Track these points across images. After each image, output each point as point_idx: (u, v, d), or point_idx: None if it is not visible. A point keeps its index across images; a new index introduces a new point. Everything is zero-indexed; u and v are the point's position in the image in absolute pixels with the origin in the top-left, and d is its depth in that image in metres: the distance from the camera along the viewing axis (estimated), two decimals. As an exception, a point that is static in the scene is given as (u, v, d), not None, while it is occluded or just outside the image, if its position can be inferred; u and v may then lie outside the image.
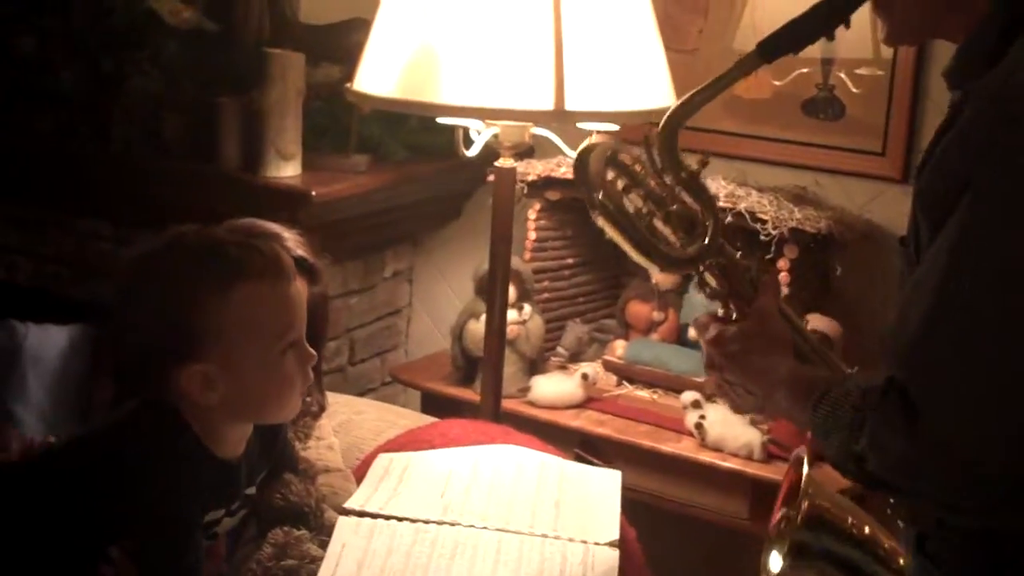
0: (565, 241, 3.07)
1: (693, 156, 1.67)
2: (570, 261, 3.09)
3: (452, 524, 1.93)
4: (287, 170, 2.81)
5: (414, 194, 3.12)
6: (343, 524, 1.92)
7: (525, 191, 2.91)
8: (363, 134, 2.97)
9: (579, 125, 2.36)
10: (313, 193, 2.73)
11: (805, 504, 1.64)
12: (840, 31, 1.53)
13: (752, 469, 2.64)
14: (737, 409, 1.73)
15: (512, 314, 2.77)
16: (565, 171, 2.88)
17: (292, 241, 2.09)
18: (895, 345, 1.36)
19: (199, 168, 2.88)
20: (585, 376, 2.86)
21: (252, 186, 2.80)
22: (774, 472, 2.63)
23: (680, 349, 2.95)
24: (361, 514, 1.94)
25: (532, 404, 2.84)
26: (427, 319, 3.50)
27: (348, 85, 2.41)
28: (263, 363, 1.71)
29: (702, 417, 2.71)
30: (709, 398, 2.81)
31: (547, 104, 2.19)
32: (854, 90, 2.94)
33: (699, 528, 2.81)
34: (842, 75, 2.96)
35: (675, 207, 1.64)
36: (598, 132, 1.77)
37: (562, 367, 3.00)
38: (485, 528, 1.93)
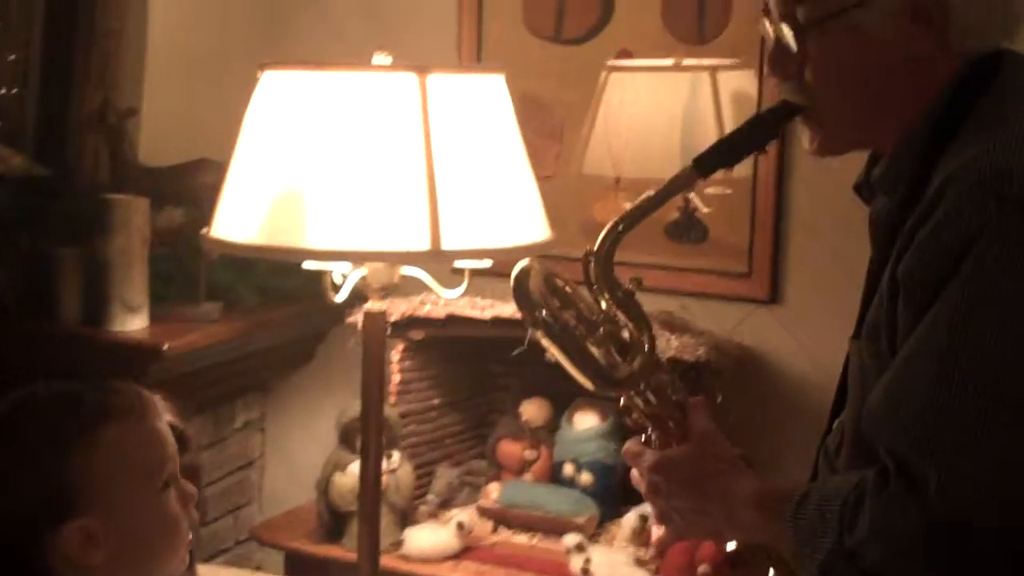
0: (430, 381, 2.94)
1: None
2: (435, 402, 2.97)
3: None
4: (134, 323, 2.63)
5: (267, 340, 2.96)
6: None
7: (388, 331, 2.78)
8: (212, 280, 2.80)
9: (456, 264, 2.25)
10: (165, 347, 2.55)
11: None
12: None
13: (645, 611, 2.53)
14: (681, 537, 1.68)
15: (380, 463, 2.62)
16: (429, 309, 2.76)
17: (160, 406, 1.93)
18: (886, 427, 1.35)
19: (35, 325, 2.67)
20: (461, 525, 2.71)
21: (96, 342, 2.61)
22: (667, 612, 2.52)
23: (556, 488, 2.84)
24: None
25: (406, 559, 2.69)
26: (282, 471, 3.32)
27: (204, 232, 2.25)
28: (144, 505, 1.59)
29: (587, 561, 2.59)
30: (591, 539, 2.70)
31: (423, 244, 2.07)
32: (704, 209, 2.92)
33: None
34: (691, 195, 2.93)
35: (605, 329, 1.60)
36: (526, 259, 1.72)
37: (433, 515, 2.85)
38: None
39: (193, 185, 2.77)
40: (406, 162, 2.09)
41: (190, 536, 1.65)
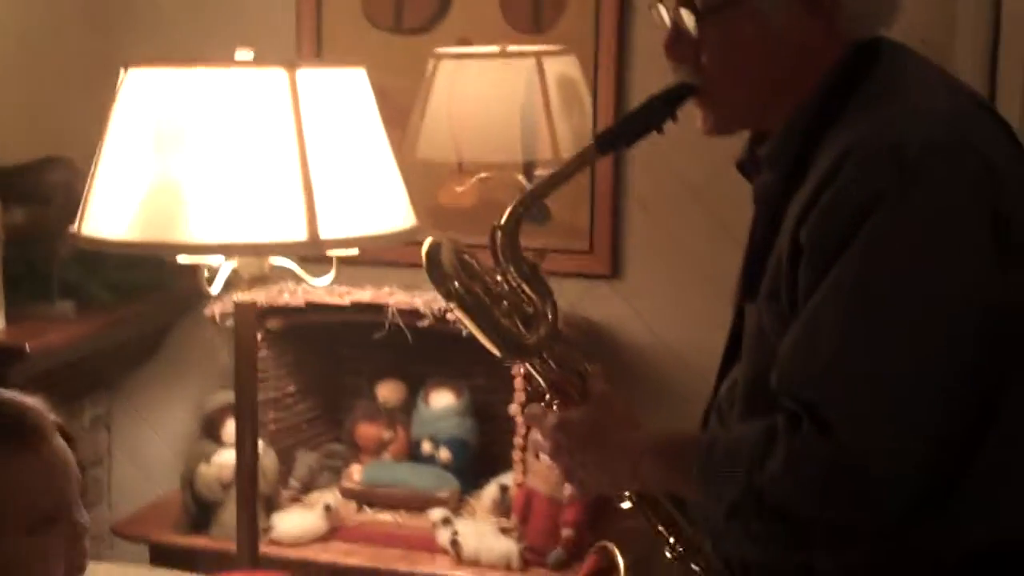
0: (286, 369, 2.99)
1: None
2: (292, 389, 3.02)
3: None
4: (-10, 325, 2.61)
5: (120, 336, 2.96)
6: None
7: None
8: (62, 278, 2.80)
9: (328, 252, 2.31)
10: (27, 348, 2.54)
11: None
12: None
13: (512, 579, 2.64)
14: (587, 492, 1.78)
15: (241, 451, 2.66)
16: (288, 299, 2.81)
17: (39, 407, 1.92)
18: (796, 378, 1.46)
19: None
20: (328, 507, 2.78)
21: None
22: (534, 580, 2.65)
23: (416, 466, 2.93)
24: None
25: (276, 543, 2.74)
26: (130, 467, 3.31)
27: (72, 230, 2.26)
28: (13, 553, 1.45)
29: (455, 533, 2.69)
30: (454, 513, 2.80)
31: (301, 235, 2.13)
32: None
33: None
34: (520, 177, 3.06)
35: (509, 302, 1.68)
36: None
37: (297, 500, 2.90)
38: None
39: (41, 183, 2.75)
40: (280, 155, 2.15)
41: (81, 565, 1.51)
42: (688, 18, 1.58)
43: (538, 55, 3.02)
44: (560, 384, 1.71)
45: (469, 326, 1.69)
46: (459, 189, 3.12)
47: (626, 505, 1.76)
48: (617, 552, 1.84)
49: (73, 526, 1.50)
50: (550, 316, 1.69)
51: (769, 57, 1.57)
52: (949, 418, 1.43)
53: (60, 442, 1.53)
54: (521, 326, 1.70)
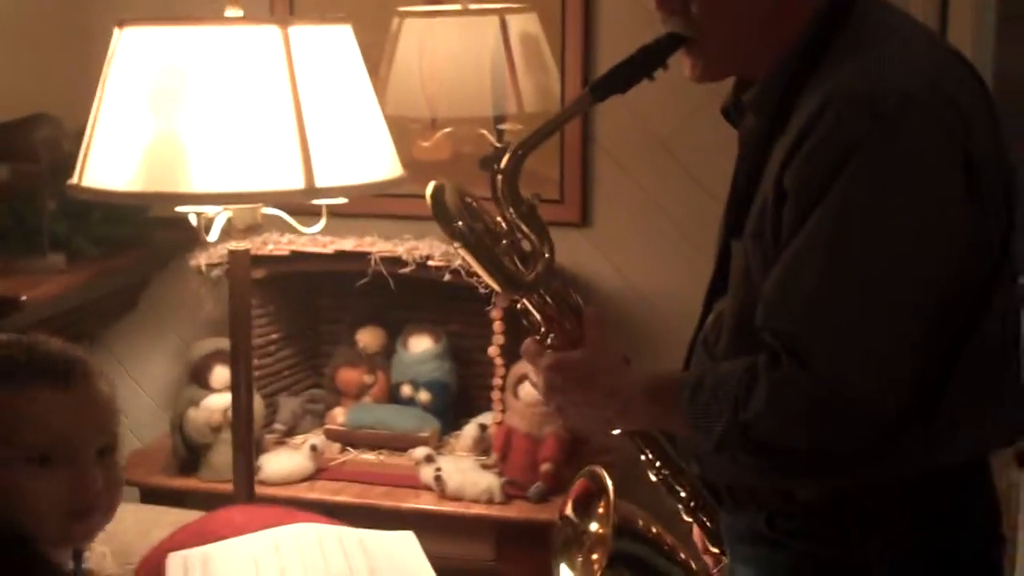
0: (269, 317, 3.09)
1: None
2: (274, 337, 3.12)
3: (283, 608, 1.94)
4: (-16, 277, 2.69)
5: (105, 287, 3.04)
6: (177, 627, 1.88)
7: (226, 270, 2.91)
8: (52, 232, 2.87)
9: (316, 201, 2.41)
10: (23, 297, 2.62)
11: (615, 515, 1.82)
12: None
13: (495, 512, 2.77)
14: (579, 430, 1.85)
15: (228, 397, 2.76)
16: (273, 248, 2.91)
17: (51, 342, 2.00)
18: (779, 314, 1.55)
19: None
20: (314, 448, 2.89)
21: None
22: (516, 511, 2.78)
23: (397, 408, 3.05)
24: (190, 612, 1.91)
25: (264, 483, 2.84)
26: (113, 416, 3.40)
27: (73, 182, 2.35)
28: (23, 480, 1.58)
29: (438, 470, 2.81)
30: (439, 450, 2.93)
31: (298, 183, 2.23)
32: (497, 145, 3.13)
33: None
34: (485, 131, 3.16)
35: (509, 240, 1.76)
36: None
37: (281, 443, 3.01)
38: (319, 604, 1.94)
39: (27, 140, 2.82)
40: (276, 108, 2.24)
41: (84, 513, 1.64)
42: None
43: (501, 12, 3.11)
44: (556, 320, 1.78)
45: (472, 263, 1.76)
46: (424, 144, 3.21)
47: (615, 431, 1.87)
48: (605, 474, 1.95)
49: (79, 474, 1.63)
50: (547, 254, 1.77)
51: (751, 10, 1.66)
52: (925, 348, 1.52)
53: (105, 386, 1.70)
54: (520, 264, 1.77)
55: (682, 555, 1.96)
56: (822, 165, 1.53)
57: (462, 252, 1.76)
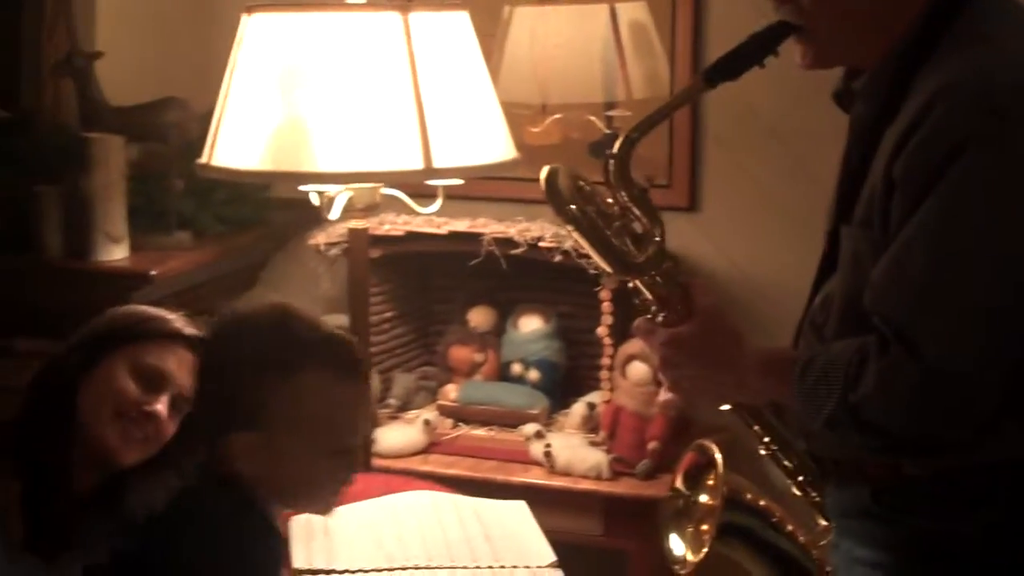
0: (384, 296, 3.18)
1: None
2: (389, 315, 3.21)
3: (403, 569, 2.03)
4: (116, 253, 2.81)
5: (228, 265, 3.16)
6: (302, 584, 1.98)
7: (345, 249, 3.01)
8: (179, 211, 2.99)
9: (429, 182, 2.49)
10: (153, 272, 2.74)
11: (725, 487, 1.90)
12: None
13: (603, 487, 2.84)
14: (695, 403, 1.90)
15: (345, 372, 2.86)
16: (389, 228, 3.00)
17: (179, 322, 2.12)
18: (888, 300, 1.58)
19: (19, 260, 2.83)
20: (427, 422, 2.98)
21: (81, 272, 2.78)
22: (623, 487, 2.84)
23: (507, 385, 3.12)
24: (314, 572, 2.01)
25: (379, 456, 2.94)
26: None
27: (202, 161, 2.46)
28: (307, 458, 1.74)
29: (548, 446, 2.88)
30: (548, 427, 3.00)
31: (417, 164, 2.32)
32: (606, 131, 3.20)
33: (557, 550, 2.97)
34: (593, 118, 3.22)
35: (621, 222, 1.81)
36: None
37: (395, 418, 3.11)
38: (436, 568, 2.03)
39: (159, 123, 2.94)
40: (396, 91, 2.33)
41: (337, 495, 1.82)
42: None
43: (611, 1, 3.17)
44: (668, 299, 1.81)
45: (584, 245, 1.82)
46: (534, 129, 3.28)
47: (725, 407, 1.92)
48: (715, 447, 2.01)
49: (351, 469, 1.82)
50: (658, 236, 1.82)
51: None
52: None
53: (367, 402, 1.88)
54: (631, 245, 1.82)
55: (790, 527, 2.02)
56: (932, 158, 1.55)
57: (574, 234, 1.82)
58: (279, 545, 1.82)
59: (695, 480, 2.11)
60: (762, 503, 2.03)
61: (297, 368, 1.73)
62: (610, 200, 1.85)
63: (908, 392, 1.56)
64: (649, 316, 1.84)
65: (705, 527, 2.06)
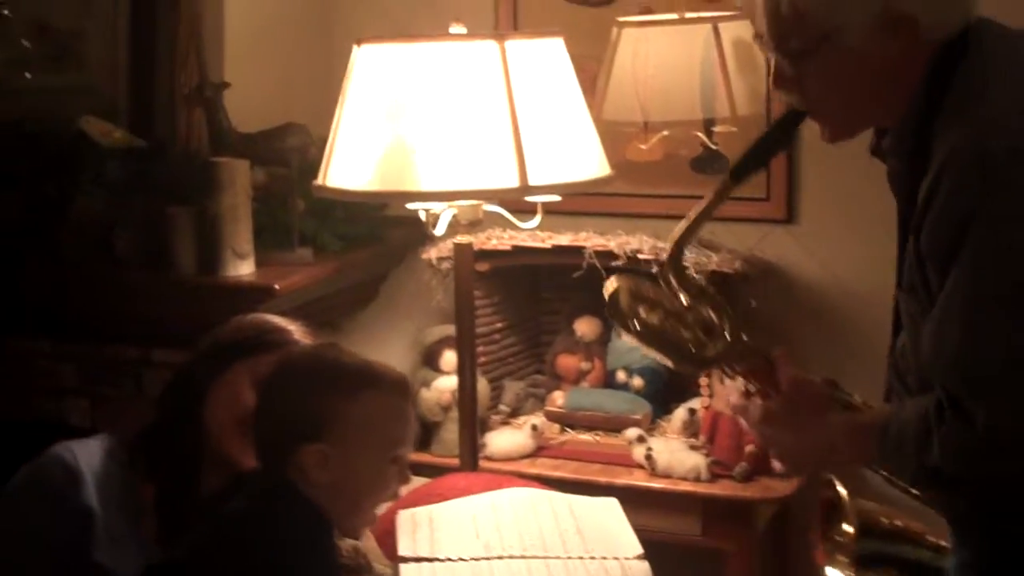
0: (493, 307, 3.35)
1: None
2: (499, 325, 3.38)
3: (499, 558, 2.18)
4: (243, 268, 3.02)
5: (348, 280, 3.35)
6: (407, 570, 2.14)
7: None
8: (300, 229, 3.20)
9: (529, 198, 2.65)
10: (276, 286, 2.94)
11: (854, 519, 1.95)
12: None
13: (702, 489, 2.96)
14: (797, 472, 1.96)
15: (456, 379, 3.02)
16: (496, 243, 3.17)
17: (298, 332, 2.30)
18: (936, 369, 1.67)
19: (155, 276, 3.06)
20: (535, 427, 3.14)
21: (213, 287, 2.99)
22: (721, 489, 2.96)
23: (612, 392, 3.27)
24: (419, 559, 2.17)
25: (489, 459, 3.10)
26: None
27: (317, 183, 2.64)
28: (371, 464, 1.93)
29: (649, 449, 3.01)
30: (650, 432, 3.13)
31: (513, 182, 2.47)
32: (712, 146, 3.32)
33: (657, 550, 3.09)
34: (699, 134, 3.34)
35: (692, 317, 1.92)
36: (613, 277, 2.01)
37: (506, 423, 3.27)
38: (530, 557, 2.18)
39: (281, 147, 3.15)
40: (493, 115, 2.49)
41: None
42: (784, 61, 1.78)
43: (714, 20, 3.28)
44: (754, 374, 1.91)
45: (655, 354, 1.94)
46: (643, 147, 3.42)
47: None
48: (837, 482, 2.06)
49: (405, 472, 2.00)
50: (728, 324, 1.91)
51: (862, 80, 1.75)
52: None
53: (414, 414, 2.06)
54: (704, 335, 1.91)
55: (930, 538, 2.04)
56: (946, 232, 1.63)
57: (642, 347, 1.94)
58: (336, 556, 1.99)
59: (836, 517, 2.10)
60: (895, 522, 2.07)
61: (356, 388, 1.92)
62: (680, 295, 1.94)
63: (972, 455, 1.64)
64: (744, 391, 1.93)
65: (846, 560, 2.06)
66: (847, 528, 2.01)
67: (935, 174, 1.65)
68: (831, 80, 1.77)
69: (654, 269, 2.90)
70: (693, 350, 1.91)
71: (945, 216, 1.63)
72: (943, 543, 1.95)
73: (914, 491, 1.86)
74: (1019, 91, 1.67)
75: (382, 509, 2.06)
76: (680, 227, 1.90)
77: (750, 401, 1.90)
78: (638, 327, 1.91)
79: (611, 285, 1.97)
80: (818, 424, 1.83)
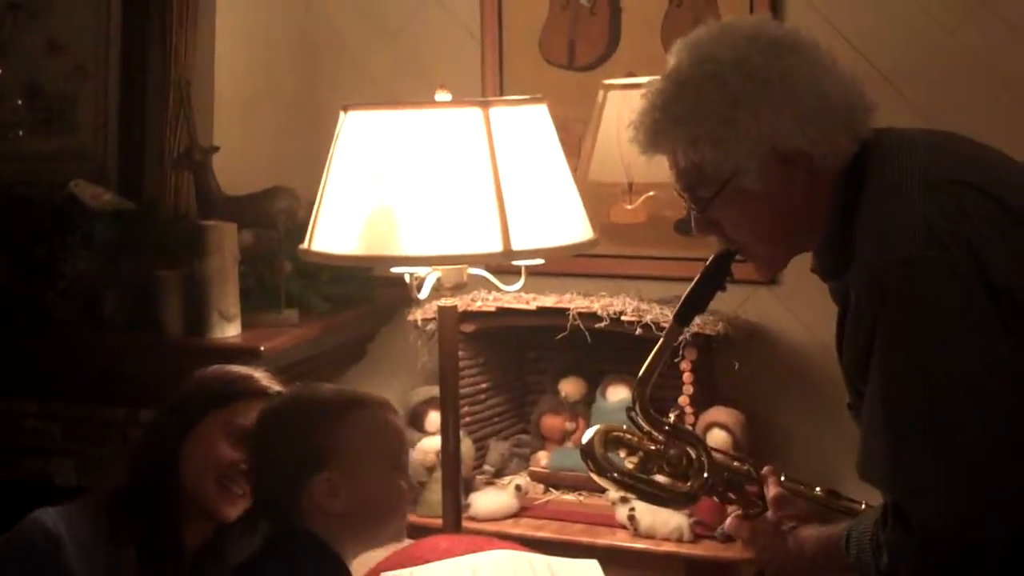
0: (479, 368, 3.37)
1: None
2: (484, 386, 3.40)
3: (480, 622, 2.19)
4: (230, 330, 3.05)
5: (334, 340, 3.38)
6: (388, 634, 2.16)
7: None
8: (287, 291, 3.23)
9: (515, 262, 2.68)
10: (262, 348, 2.97)
11: None
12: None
13: (684, 549, 2.97)
14: None
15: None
16: (481, 304, 3.20)
17: (264, 379, 2.34)
18: (873, 480, 1.75)
19: (142, 338, 3.09)
20: (519, 487, 3.15)
21: (199, 349, 3.02)
22: (703, 550, 2.97)
23: (596, 453, 3.28)
24: (399, 623, 2.19)
25: (473, 519, 3.11)
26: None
27: (303, 247, 2.68)
28: (377, 477, 2.00)
29: (632, 510, 3.03)
30: (633, 492, 3.15)
31: (496, 247, 2.51)
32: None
33: (641, 610, 3.12)
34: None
35: (674, 452, 2.04)
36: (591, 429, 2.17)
37: (490, 483, 3.28)
38: (510, 621, 2.19)
39: (268, 210, 3.19)
40: (477, 180, 2.52)
41: (408, 515, 2.07)
42: (695, 209, 1.91)
43: (698, 81, 3.34)
44: (737, 495, 2.06)
45: (636, 498, 2.08)
46: (629, 207, 3.45)
47: None
48: None
49: (408, 480, 2.09)
50: (705, 457, 2.04)
51: (774, 216, 1.85)
52: (1006, 476, 1.65)
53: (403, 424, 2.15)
54: (684, 470, 2.05)
55: None
56: (859, 346, 1.73)
57: (622, 492, 2.11)
58: None
59: None
60: None
61: (345, 412, 2.01)
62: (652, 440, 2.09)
63: (915, 560, 1.71)
64: (737, 514, 2.09)
65: None
66: None
67: (847, 291, 1.76)
68: (745, 220, 1.87)
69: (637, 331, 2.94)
70: (672, 491, 2.03)
71: (854, 333, 1.73)
72: None
73: None
74: (907, 201, 1.72)
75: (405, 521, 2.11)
76: (642, 371, 2.05)
77: (740, 522, 2.05)
78: (616, 476, 2.02)
79: (587, 435, 2.09)
80: (795, 542, 1.95)
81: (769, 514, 2.00)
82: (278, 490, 1.98)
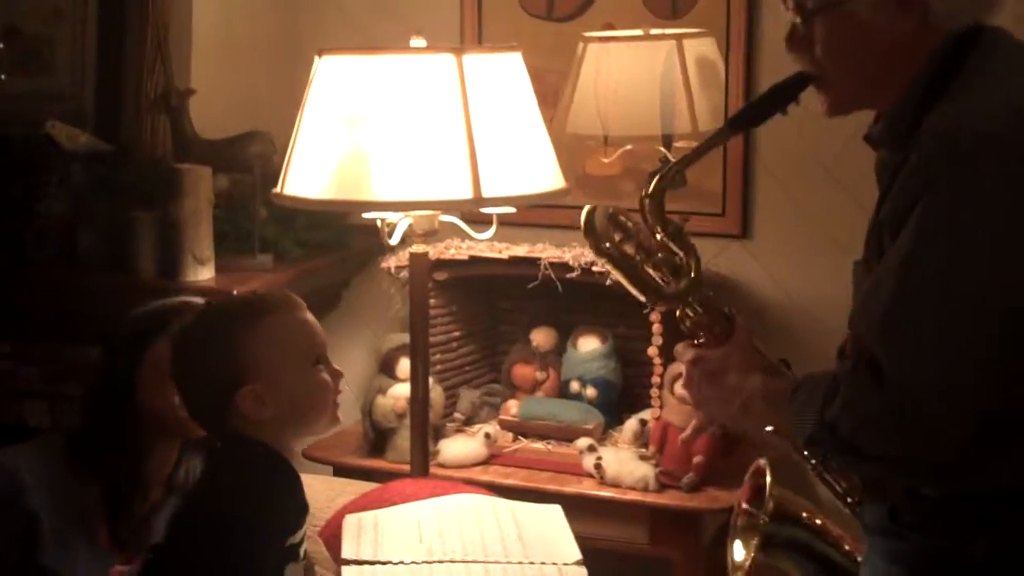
0: (451, 316, 3.39)
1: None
2: (456, 334, 3.42)
3: (440, 562, 2.23)
4: (203, 274, 3.07)
5: (308, 286, 3.39)
6: (348, 572, 2.19)
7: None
8: (262, 236, 3.24)
9: (483, 210, 2.70)
10: (235, 292, 2.98)
11: (771, 503, 2.02)
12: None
13: (649, 499, 3.00)
14: (710, 421, 2.03)
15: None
16: (454, 253, 3.21)
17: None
18: (861, 325, 1.70)
19: (116, 279, 3.10)
20: (488, 435, 3.18)
21: (171, 291, 3.01)
22: (668, 499, 3.00)
23: (566, 402, 3.31)
24: (361, 562, 2.22)
25: (442, 466, 3.14)
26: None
27: (275, 191, 2.69)
28: (299, 376, 2.03)
29: (599, 459, 3.06)
30: (602, 442, 3.18)
31: (467, 193, 2.52)
32: (672, 160, 3.37)
33: (605, 558, 3.15)
34: (662, 148, 3.40)
35: (661, 255, 1.95)
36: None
37: (460, 431, 3.31)
38: (471, 562, 2.23)
39: (243, 154, 3.20)
40: (449, 127, 2.54)
41: (337, 402, 2.08)
42: (797, 19, 1.82)
43: (678, 37, 3.36)
44: (706, 325, 1.95)
45: (619, 278, 1.97)
46: (605, 160, 3.48)
47: (769, 428, 1.93)
48: (767, 466, 2.13)
49: (332, 367, 2.09)
50: (693, 268, 1.95)
51: (868, 50, 1.79)
52: (997, 368, 1.61)
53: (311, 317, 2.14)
54: (671, 276, 1.96)
55: (846, 545, 2.12)
56: (904, 200, 1.67)
57: (609, 269, 1.98)
58: (301, 486, 2.06)
59: (760, 499, 2.18)
60: (807, 515, 2.14)
61: (254, 321, 2.03)
62: (652, 235, 1.97)
63: (872, 414, 1.65)
64: (692, 341, 1.98)
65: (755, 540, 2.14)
66: (765, 516, 2.08)
67: (898, 165, 1.69)
68: (838, 47, 1.80)
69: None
70: (659, 287, 1.94)
71: (905, 186, 1.67)
72: (858, 556, 2.00)
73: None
74: (1004, 87, 1.70)
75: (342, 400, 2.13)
76: (674, 162, 1.95)
77: (690, 346, 1.95)
78: (608, 248, 1.94)
79: (589, 206, 1.99)
80: (737, 379, 1.86)
81: (722, 349, 1.91)
82: (208, 411, 2.03)
